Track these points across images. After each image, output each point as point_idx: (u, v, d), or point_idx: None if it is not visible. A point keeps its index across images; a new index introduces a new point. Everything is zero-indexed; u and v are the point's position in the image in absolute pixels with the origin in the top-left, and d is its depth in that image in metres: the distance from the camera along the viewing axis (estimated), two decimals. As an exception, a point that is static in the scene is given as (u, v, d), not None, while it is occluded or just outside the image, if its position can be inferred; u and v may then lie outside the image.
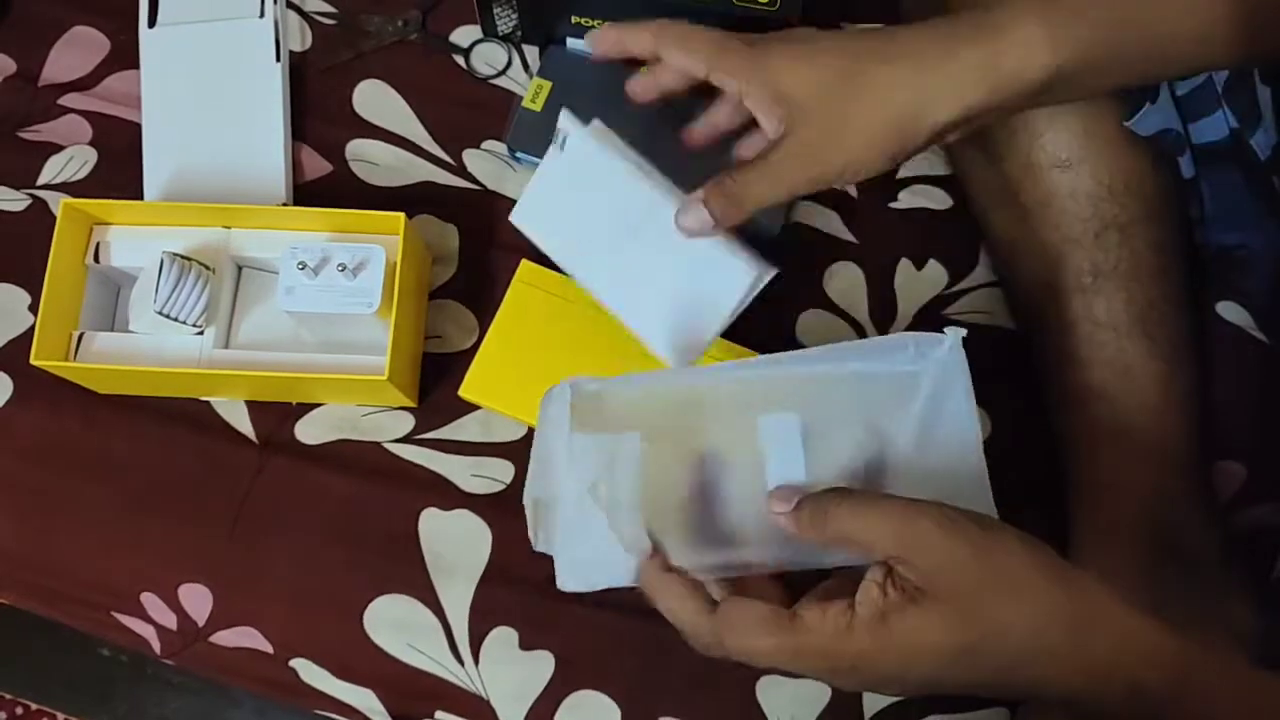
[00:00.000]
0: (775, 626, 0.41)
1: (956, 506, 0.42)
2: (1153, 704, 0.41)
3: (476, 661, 0.65)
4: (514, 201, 0.73)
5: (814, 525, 0.43)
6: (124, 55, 0.77)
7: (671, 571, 0.46)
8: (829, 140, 0.50)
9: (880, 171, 0.51)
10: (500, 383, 0.68)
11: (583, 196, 0.58)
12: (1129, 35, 0.49)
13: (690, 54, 0.53)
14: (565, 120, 0.57)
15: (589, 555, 0.48)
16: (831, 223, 0.73)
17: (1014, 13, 0.48)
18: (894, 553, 0.41)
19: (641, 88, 0.57)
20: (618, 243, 0.57)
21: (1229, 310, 0.69)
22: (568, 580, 0.49)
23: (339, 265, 0.63)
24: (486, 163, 0.75)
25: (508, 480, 0.68)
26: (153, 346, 0.66)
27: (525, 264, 0.69)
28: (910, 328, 0.71)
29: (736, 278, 0.54)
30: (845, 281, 0.72)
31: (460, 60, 0.77)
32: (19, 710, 0.79)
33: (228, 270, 0.68)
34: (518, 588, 0.66)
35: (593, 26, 0.72)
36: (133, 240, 0.68)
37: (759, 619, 0.42)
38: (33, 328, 0.64)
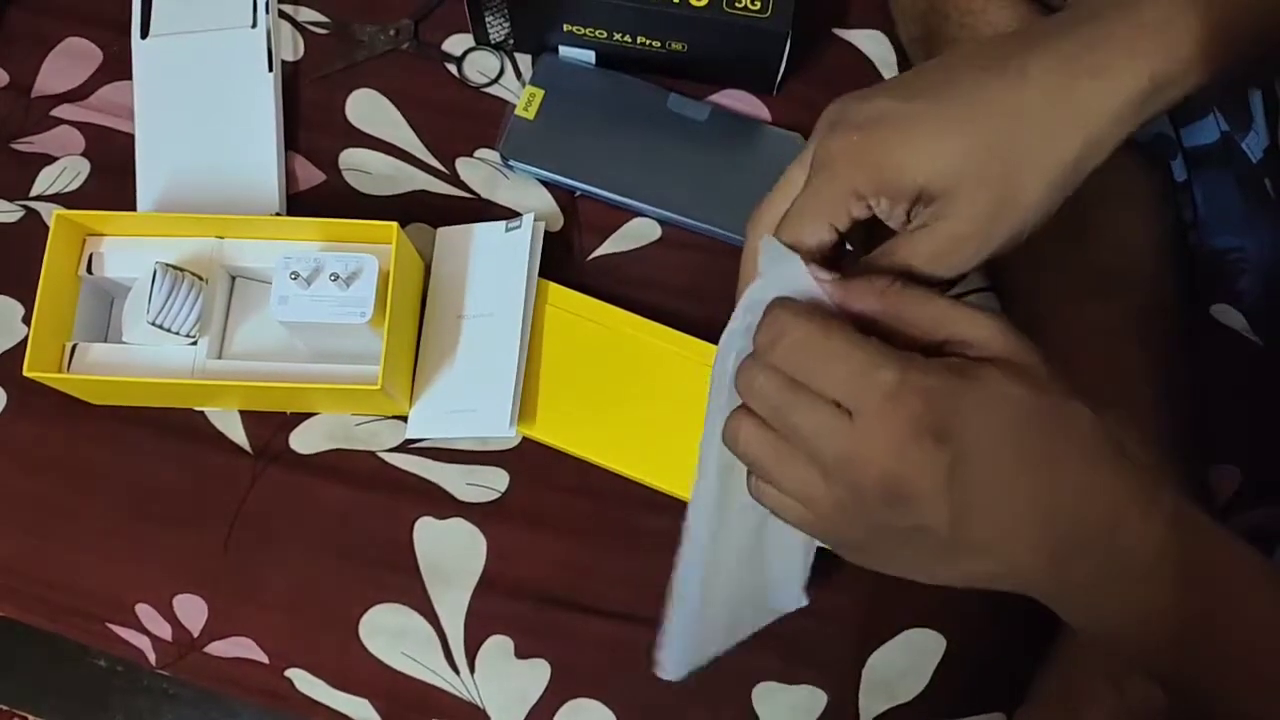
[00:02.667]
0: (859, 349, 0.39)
1: None
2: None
3: (472, 670, 0.65)
4: (507, 210, 0.74)
5: (877, 295, 0.40)
6: (117, 66, 0.77)
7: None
8: (991, 222, 0.42)
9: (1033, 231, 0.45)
10: (566, 420, 0.67)
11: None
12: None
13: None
14: None
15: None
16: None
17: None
18: (999, 352, 0.39)
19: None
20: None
21: (1223, 313, 0.69)
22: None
23: (332, 275, 0.63)
24: (479, 171, 0.75)
25: (502, 489, 0.68)
26: (146, 357, 0.66)
27: (552, 287, 0.69)
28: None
29: None
30: (839, 287, 0.72)
31: (453, 69, 0.77)
32: (15, 722, 0.79)
33: (221, 280, 0.68)
34: (513, 596, 0.66)
35: (585, 34, 0.72)
36: (126, 251, 0.68)
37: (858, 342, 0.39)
38: (26, 339, 0.64)
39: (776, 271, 0.43)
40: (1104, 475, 0.38)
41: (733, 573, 0.47)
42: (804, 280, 0.42)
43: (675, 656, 0.47)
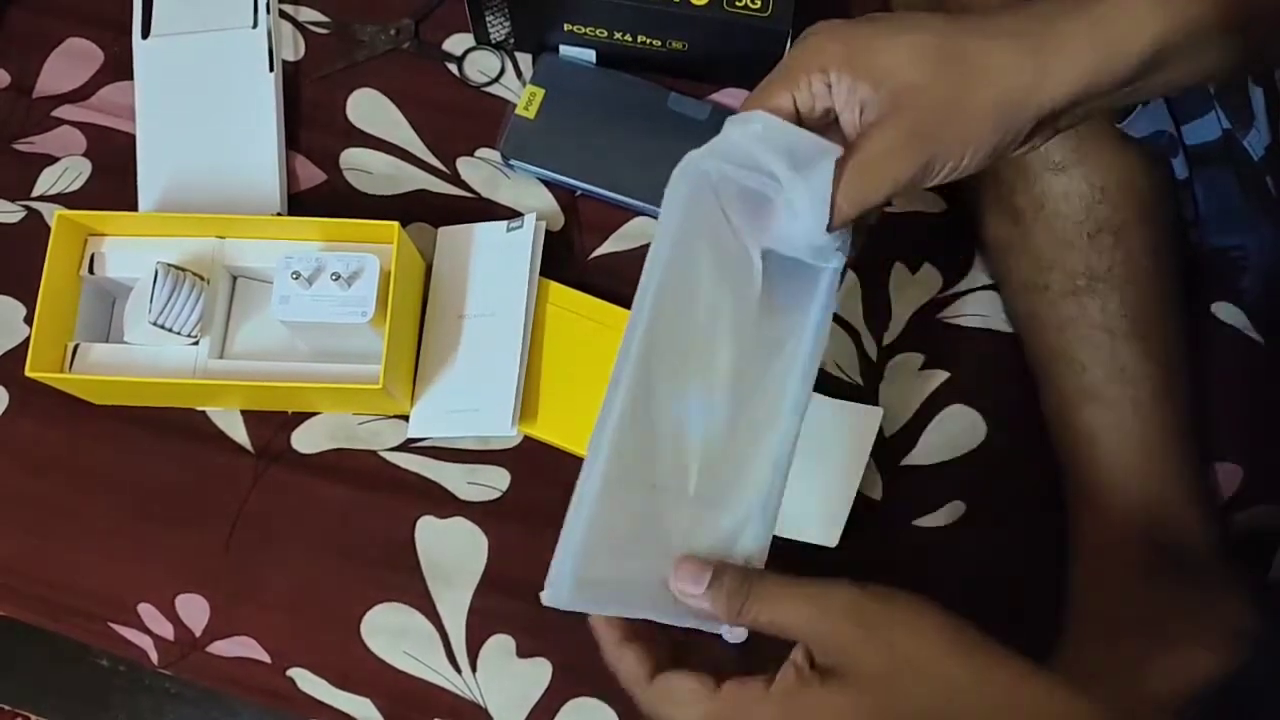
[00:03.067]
0: (700, 696, 0.43)
1: (869, 587, 0.43)
2: None
3: (474, 669, 0.65)
4: (508, 209, 0.74)
5: (730, 610, 0.43)
6: (118, 66, 0.77)
7: (627, 643, 0.45)
8: (937, 123, 0.43)
9: (982, 166, 0.45)
10: (567, 419, 0.67)
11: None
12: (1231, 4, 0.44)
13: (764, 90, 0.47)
14: None
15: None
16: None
17: None
18: (806, 638, 0.42)
19: None
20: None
21: (1224, 311, 0.69)
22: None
23: (333, 274, 0.63)
24: (480, 170, 0.75)
25: (503, 488, 0.68)
26: (148, 357, 0.66)
27: (553, 286, 0.69)
28: (905, 331, 0.71)
29: None
30: (840, 286, 0.72)
31: (453, 68, 0.77)
32: (18, 722, 0.79)
33: (222, 280, 0.68)
34: (515, 595, 0.66)
35: (585, 33, 0.72)
36: (127, 251, 0.68)
37: (687, 690, 0.43)
38: (28, 339, 0.64)
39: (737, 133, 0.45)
40: (964, 667, 0.42)
41: (631, 495, 0.45)
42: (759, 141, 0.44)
43: (555, 574, 0.44)
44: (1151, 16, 0.42)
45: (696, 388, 0.46)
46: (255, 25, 0.76)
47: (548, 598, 0.43)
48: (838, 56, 0.44)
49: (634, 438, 0.44)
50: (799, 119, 0.46)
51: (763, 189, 0.45)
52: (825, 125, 0.46)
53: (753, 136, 0.45)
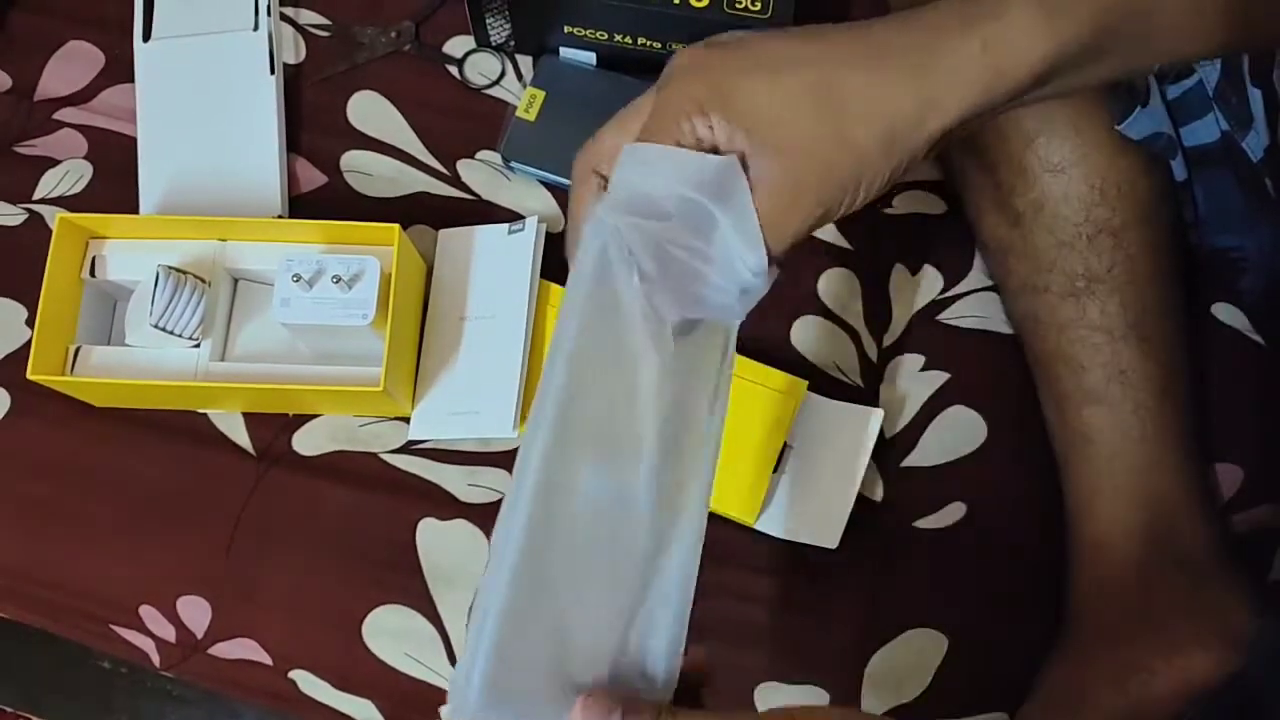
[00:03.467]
0: None
1: None
2: None
3: (475, 671, 0.65)
4: (509, 212, 0.74)
5: None
6: (119, 69, 0.77)
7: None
8: (825, 168, 0.41)
9: (884, 190, 0.43)
10: None
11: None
12: (1122, 16, 0.43)
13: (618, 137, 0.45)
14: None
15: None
16: (825, 228, 0.73)
17: None
18: None
19: None
20: None
21: (1224, 312, 0.70)
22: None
23: (334, 277, 0.63)
24: (480, 173, 0.75)
25: (504, 490, 0.68)
26: (149, 360, 0.66)
27: (555, 289, 0.69)
28: (906, 333, 0.71)
29: None
30: (839, 286, 0.72)
31: (454, 70, 0.77)
32: (20, 723, 0.79)
33: (223, 283, 0.68)
34: (516, 597, 0.66)
35: (586, 36, 0.72)
36: (129, 254, 0.68)
37: None
38: (29, 342, 0.64)
39: (642, 171, 0.42)
40: None
41: (541, 596, 0.40)
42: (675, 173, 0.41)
43: (462, 680, 0.38)
44: (1041, 36, 0.41)
45: (615, 468, 0.41)
46: (256, 28, 0.76)
47: (450, 710, 0.39)
48: (712, 100, 0.41)
49: (546, 530, 0.40)
50: None
51: (673, 242, 0.42)
52: None
53: (657, 175, 0.41)
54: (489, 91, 0.77)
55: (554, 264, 0.70)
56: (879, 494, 0.68)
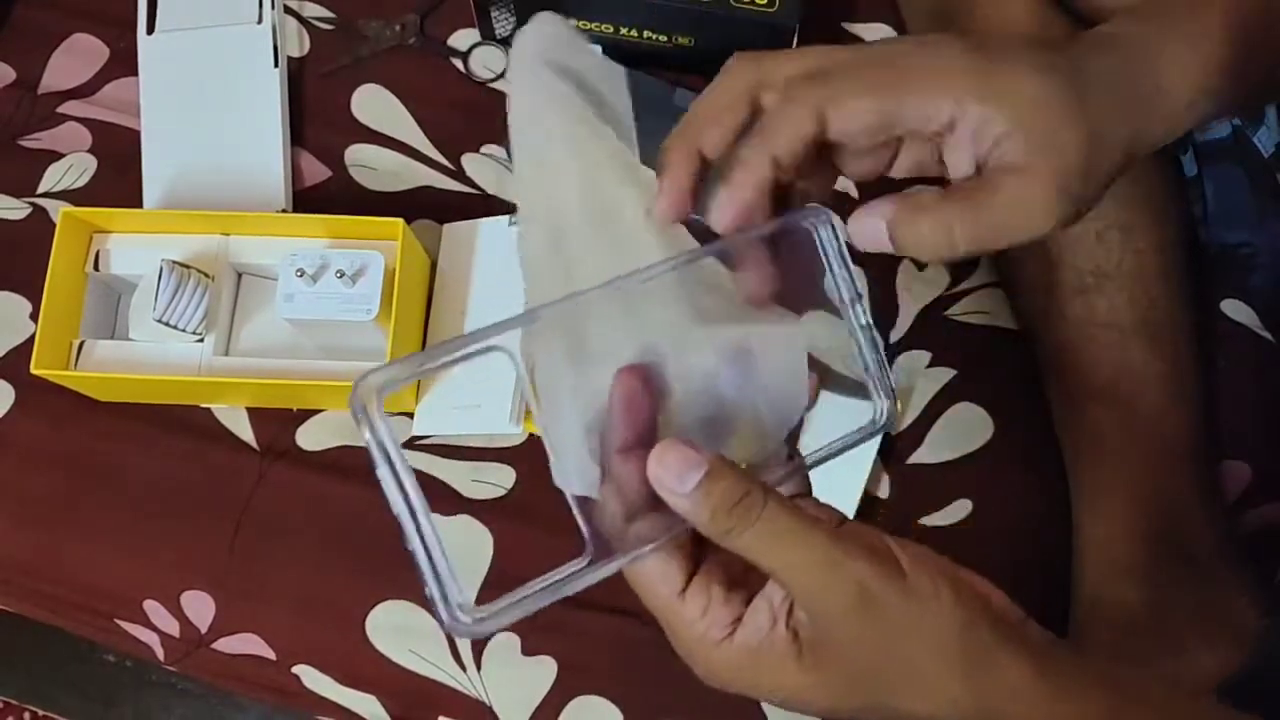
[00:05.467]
0: (656, 594, 0.36)
1: (890, 563, 0.35)
2: None
3: (479, 667, 0.65)
4: (512, 206, 0.73)
5: (716, 526, 0.34)
6: (123, 62, 0.77)
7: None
8: (1084, 171, 0.37)
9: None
10: None
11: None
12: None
13: (869, 89, 0.38)
14: None
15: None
16: (832, 224, 0.73)
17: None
18: (800, 600, 0.35)
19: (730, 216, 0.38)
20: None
21: (1233, 309, 0.69)
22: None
23: (338, 272, 0.63)
24: (485, 167, 0.75)
25: (508, 485, 0.68)
26: (153, 354, 0.66)
27: None
28: (913, 329, 0.71)
29: None
30: (846, 283, 0.72)
31: (458, 64, 0.77)
32: (25, 716, 0.80)
33: (227, 277, 0.68)
34: (520, 593, 0.66)
35: (591, 29, 0.72)
36: (132, 248, 0.68)
37: (654, 577, 0.36)
38: (33, 336, 0.64)
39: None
40: (964, 684, 0.36)
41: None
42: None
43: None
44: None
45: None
46: (260, 21, 0.76)
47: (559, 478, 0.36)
48: (970, 85, 0.37)
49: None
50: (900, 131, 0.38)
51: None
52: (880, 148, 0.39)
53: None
54: (494, 85, 0.76)
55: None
56: (884, 490, 0.67)
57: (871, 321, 0.41)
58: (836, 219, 0.39)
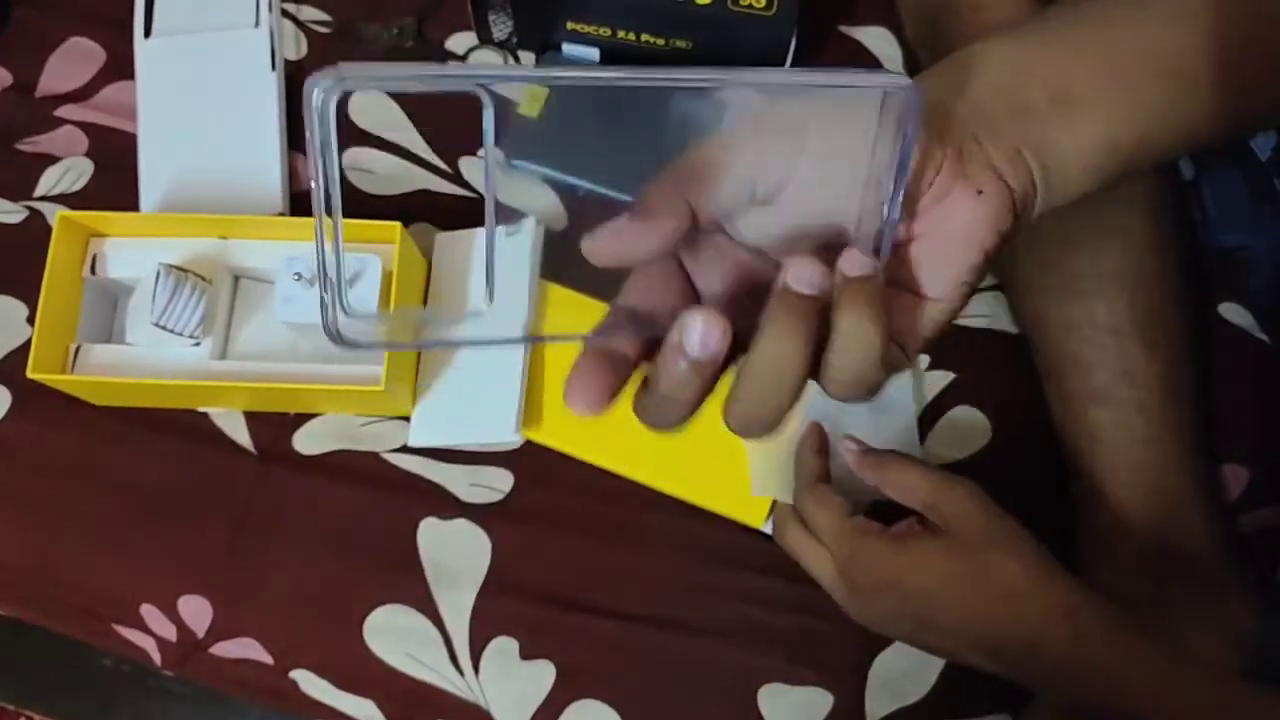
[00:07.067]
0: (837, 516, 0.58)
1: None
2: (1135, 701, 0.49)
3: (477, 671, 0.65)
4: (511, 210, 0.73)
5: (873, 465, 0.58)
6: (120, 66, 0.77)
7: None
8: None
9: None
10: (571, 424, 0.67)
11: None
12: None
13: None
14: None
15: None
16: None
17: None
18: (928, 501, 0.55)
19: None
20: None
21: (1231, 312, 0.69)
22: None
23: (335, 275, 0.63)
24: (483, 170, 0.74)
25: (506, 489, 0.68)
26: (150, 358, 0.66)
27: (554, 289, 0.69)
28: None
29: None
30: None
31: (456, 67, 0.77)
32: (22, 721, 0.79)
33: (224, 281, 0.68)
34: (518, 597, 0.66)
35: (588, 32, 0.72)
36: (129, 252, 0.68)
37: (836, 503, 0.58)
38: (30, 340, 0.64)
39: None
40: (1025, 605, 0.52)
41: None
42: None
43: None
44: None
45: None
46: (257, 24, 0.76)
47: None
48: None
49: None
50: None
51: None
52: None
53: None
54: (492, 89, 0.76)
55: (553, 264, 0.70)
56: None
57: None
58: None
